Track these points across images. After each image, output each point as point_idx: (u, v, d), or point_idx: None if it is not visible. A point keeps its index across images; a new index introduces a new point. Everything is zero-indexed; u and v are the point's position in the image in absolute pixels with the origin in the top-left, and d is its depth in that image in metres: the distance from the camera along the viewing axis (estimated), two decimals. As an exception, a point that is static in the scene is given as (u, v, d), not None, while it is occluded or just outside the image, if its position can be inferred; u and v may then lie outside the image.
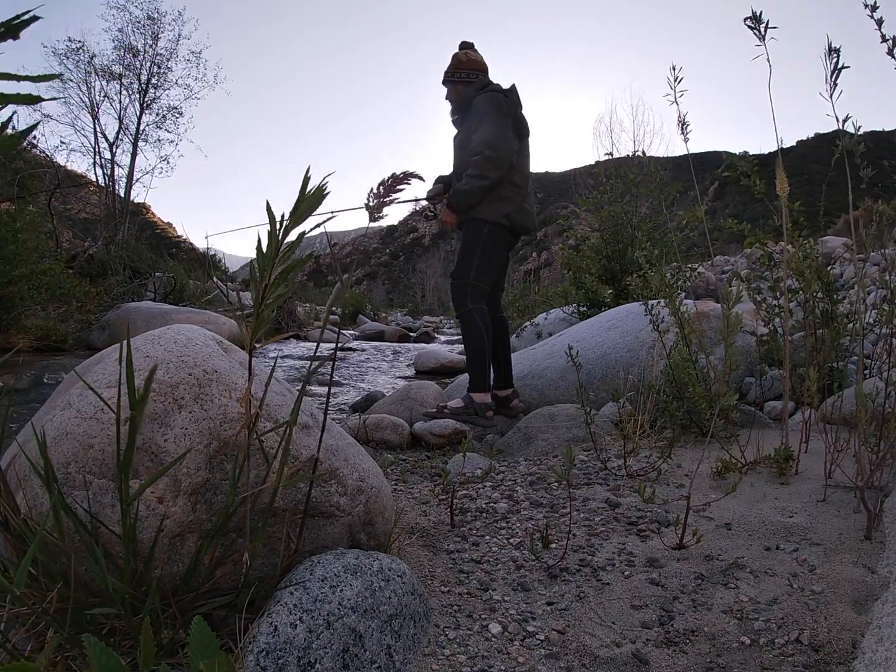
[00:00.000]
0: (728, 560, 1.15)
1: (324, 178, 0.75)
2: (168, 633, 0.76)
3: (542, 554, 1.24)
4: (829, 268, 2.37)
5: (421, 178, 0.90)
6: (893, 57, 1.31)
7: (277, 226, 0.74)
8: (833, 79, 1.40)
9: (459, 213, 2.75)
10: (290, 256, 0.76)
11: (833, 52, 1.38)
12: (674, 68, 1.67)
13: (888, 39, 1.31)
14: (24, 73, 0.39)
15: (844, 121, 1.43)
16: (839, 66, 1.38)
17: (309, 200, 0.74)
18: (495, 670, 0.85)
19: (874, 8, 1.31)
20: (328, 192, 0.75)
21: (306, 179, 0.74)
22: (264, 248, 0.75)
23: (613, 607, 1.02)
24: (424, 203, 3.17)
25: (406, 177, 0.88)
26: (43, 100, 0.40)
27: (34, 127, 0.45)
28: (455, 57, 2.87)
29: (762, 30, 1.46)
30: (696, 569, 1.12)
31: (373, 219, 0.89)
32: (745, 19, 1.46)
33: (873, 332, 2.15)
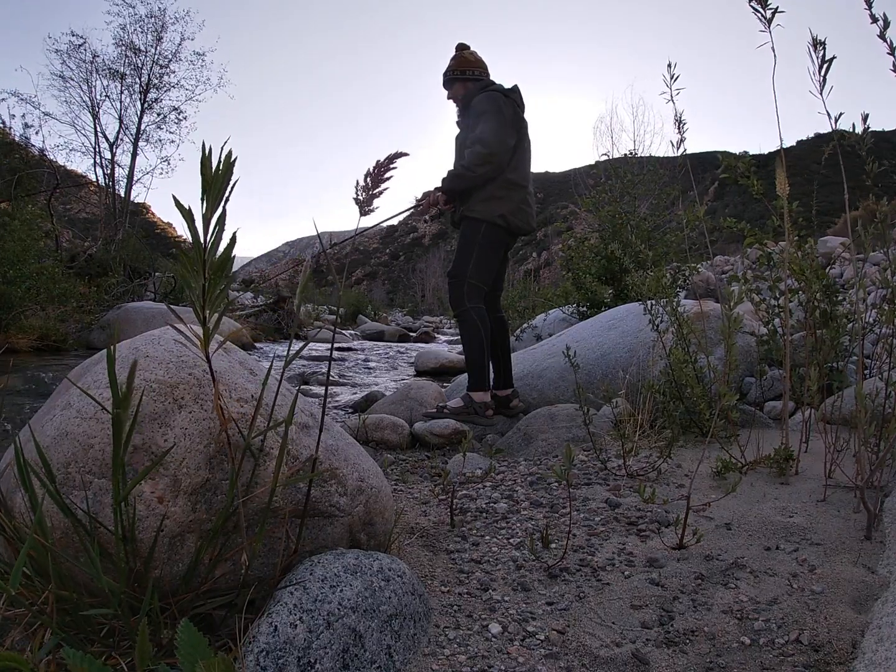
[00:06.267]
0: (728, 560, 1.15)
1: (224, 142, 0.67)
2: (167, 632, 0.76)
3: (542, 554, 1.24)
4: (828, 268, 2.36)
5: (406, 154, 0.85)
6: (884, 40, 1.27)
7: (196, 218, 0.67)
8: (822, 74, 1.36)
9: (443, 191, 2.80)
10: (216, 250, 0.70)
11: (819, 44, 1.34)
12: (670, 65, 1.65)
13: (878, 20, 1.27)
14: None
15: (837, 119, 1.41)
16: (826, 59, 1.34)
17: (219, 178, 0.67)
18: (495, 670, 0.84)
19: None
20: (235, 159, 0.68)
21: (206, 158, 0.66)
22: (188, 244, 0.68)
23: (613, 607, 1.02)
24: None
25: (391, 160, 0.84)
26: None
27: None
28: (461, 56, 2.86)
29: (768, 14, 1.40)
30: (696, 569, 1.12)
31: (363, 212, 0.84)
32: (750, 1, 1.41)
33: (873, 332, 2.14)
